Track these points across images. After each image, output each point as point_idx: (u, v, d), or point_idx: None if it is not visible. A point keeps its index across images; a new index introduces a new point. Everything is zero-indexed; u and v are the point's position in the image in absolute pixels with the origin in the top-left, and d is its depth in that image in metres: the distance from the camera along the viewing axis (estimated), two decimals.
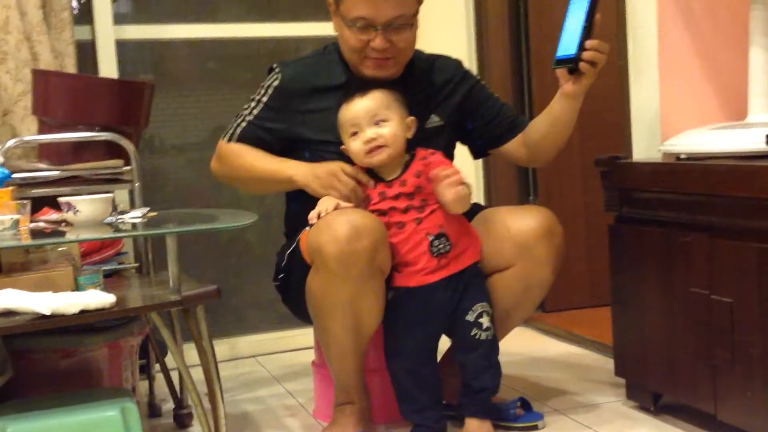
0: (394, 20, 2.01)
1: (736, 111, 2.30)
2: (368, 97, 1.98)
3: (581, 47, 1.92)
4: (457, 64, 2.27)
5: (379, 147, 1.97)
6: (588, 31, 1.92)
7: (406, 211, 1.97)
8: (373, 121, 1.97)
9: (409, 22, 2.04)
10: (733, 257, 1.85)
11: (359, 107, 1.98)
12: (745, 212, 1.80)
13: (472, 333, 2.01)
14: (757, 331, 1.80)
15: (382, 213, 1.97)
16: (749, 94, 2.14)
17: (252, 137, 2.14)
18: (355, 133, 1.99)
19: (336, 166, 1.98)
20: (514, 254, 2.06)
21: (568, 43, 1.95)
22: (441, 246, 1.96)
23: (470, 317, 2.00)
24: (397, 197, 1.98)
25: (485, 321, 2.01)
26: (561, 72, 2.00)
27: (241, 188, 2.28)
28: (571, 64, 1.95)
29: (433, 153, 2.05)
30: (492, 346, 2.04)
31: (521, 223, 2.07)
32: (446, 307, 1.99)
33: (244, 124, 2.15)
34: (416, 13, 2.07)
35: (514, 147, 2.23)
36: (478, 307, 2.01)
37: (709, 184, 1.89)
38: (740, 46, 2.23)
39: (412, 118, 2.03)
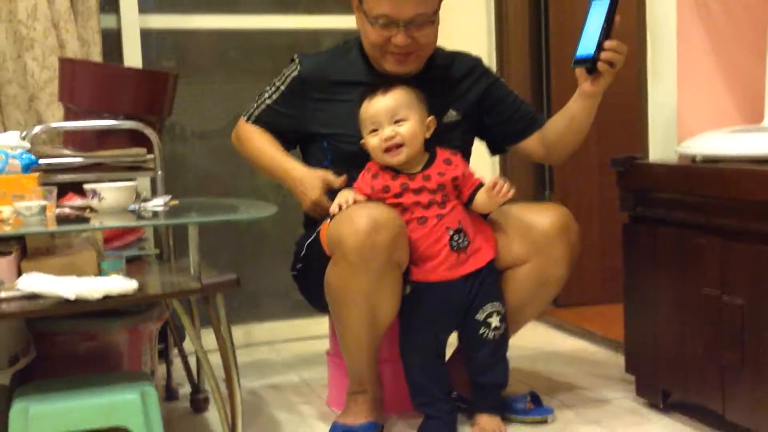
0: (416, 18, 2.04)
1: (753, 114, 2.31)
2: (390, 95, 2.01)
3: (600, 47, 1.95)
4: (478, 60, 2.29)
5: (398, 146, 2.00)
6: (607, 32, 1.95)
7: (428, 206, 2.00)
8: (393, 119, 2.00)
9: (430, 19, 2.07)
10: (745, 260, 1.87)
11: (380, 105, 2.01)
12: (759, 216, 1.82)
13: (480, 332, 2.04)
14: (766, 333, 1.82)
15: (404, 209, 2.00)
16: (766, 98, 2.15)
17: (269, 120, 2.24)
18: (375, 130, 2.02)
19: (310, 204, 2.09)
20: (530, 251, 2.09)
21: (587, 43, 1.98)
22: (460, 241, 2.00)
23: (479, 316, 2.03)
24: (419, 191, 2.00)
25: (494, 320, 2.04)
26: (580, 71, 2.03)
27: (251, 167, 2.35)
28: (590, 64, 1.97)
29: (454, 153, 2.08)
30: (499, 344, 2.07)
31: (537, 220, 2.09)
32: (462, 303, 2.02)
33: (263, 106, 2.25)
34: (437, 10, 2.10)
35: (531, 144, 2.26)
36: (489, 307, 2.04)
37: (723, 187, 1.91)
38: (758, 50, 2.25)
39: (432, 117, 2.06)
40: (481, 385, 2.08)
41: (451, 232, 1.99)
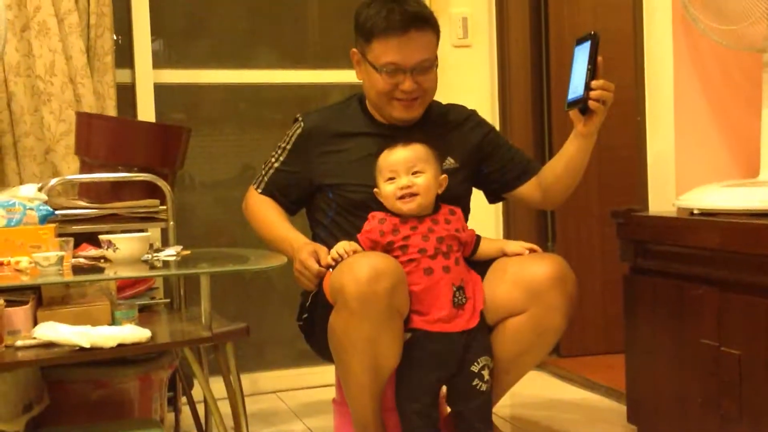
0: (421, 63, 2.14)
1: (749, 168, 2.37)
2: (410, 148, 2.10)
3: (588, 87, 2.02)
4: (473, 111, 2.38)
5: (412, 195, 2.07)
6: (593, 73, 2.02)
7: (434, 256, 2.05)
8: (410, 170, 2.08)
9: (433, 64, 2.18)
10: (742, 311, 1.91)
11: (399, 156, 2.09)
12: (755, 268, 1.87)
13: (474, 383, 2.07)
14: (764, 383, 1.86)
15: (410, 260, 2.05)
16: (762, 153, 2.21)
17: (278, 183, 2.29)
18: (391, 179, 2.10)
19: (298, 263, 2.12)
20: (527, 300, 2.11)
21: (576, 86, 2.06)
22: (461, 297, 2.05)
23: (474, 368, 2.07)
24: (427, 236, 2.06)
25: (486, 374, 2.08)
26: (574, 113, 2.10)
27: (258, 237, 2.41)
28: (582, 104, 2.05)
29: (454, 207, 2.16)
30: (489, 397, 2.11)
31: (534, 270, 2.12)
32: (458, 354, 2.06)
33: (271, 171, 2.30)
34: (437, 56, 2.20)
35: (528, 190, 2.32)
36: (483, 360, 2.07)
37: (721, 239, 1.96)
38: (754, 105, 2.31)
39: (445, 176, 2.14)
40: None
41: (455, 289, 2.05)
